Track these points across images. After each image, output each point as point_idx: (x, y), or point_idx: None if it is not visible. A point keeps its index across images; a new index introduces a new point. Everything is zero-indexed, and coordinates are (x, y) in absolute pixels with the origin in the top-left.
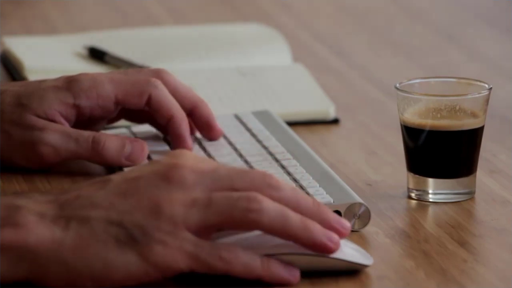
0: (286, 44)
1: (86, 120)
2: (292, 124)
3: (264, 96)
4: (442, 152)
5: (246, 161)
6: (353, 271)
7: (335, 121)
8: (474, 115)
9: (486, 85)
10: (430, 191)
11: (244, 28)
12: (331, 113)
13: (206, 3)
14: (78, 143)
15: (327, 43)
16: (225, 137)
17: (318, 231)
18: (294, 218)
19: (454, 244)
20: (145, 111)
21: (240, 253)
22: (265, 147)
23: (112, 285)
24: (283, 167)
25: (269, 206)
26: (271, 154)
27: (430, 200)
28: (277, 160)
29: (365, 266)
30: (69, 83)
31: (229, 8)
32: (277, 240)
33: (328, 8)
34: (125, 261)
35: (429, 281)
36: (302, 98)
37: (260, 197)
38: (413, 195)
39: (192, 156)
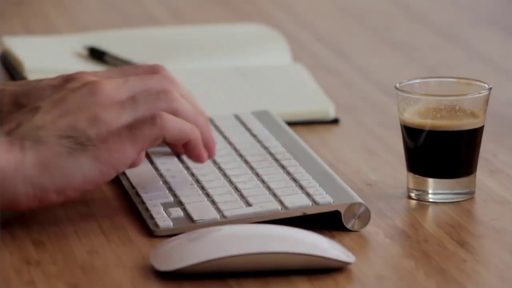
0: (286, 44)
1: None
2: (292, 124)
3: (264, 96)
4: (442, 152)
5: (246, 161)
6: (352, 271)
7: (335, 121)
8: (474, 115)
9: (486, 85)
10: (430, 191)
11: (244, 28)
12: (331, 113)
13: (206, 3)
14: None
15: (327, 43)
16: (225, 137)
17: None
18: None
19: (453, 244)
20: None
21: (173, 119)
22: (265, 147)
23: (74, 192)
24: (283, 167)
25: (182, 100)
26: (271, 154)
27: (430, 200)
28: (277, 160)
29: (349, 263)
30: (66, 82)
31: (229, 8)
32: (269, 237)
33: (328, 8)
34: (80, 166)
35: (429, 281)
36: (302, 98)
37: (173, 90)
38: (413, 195)
39: (93, 73)
